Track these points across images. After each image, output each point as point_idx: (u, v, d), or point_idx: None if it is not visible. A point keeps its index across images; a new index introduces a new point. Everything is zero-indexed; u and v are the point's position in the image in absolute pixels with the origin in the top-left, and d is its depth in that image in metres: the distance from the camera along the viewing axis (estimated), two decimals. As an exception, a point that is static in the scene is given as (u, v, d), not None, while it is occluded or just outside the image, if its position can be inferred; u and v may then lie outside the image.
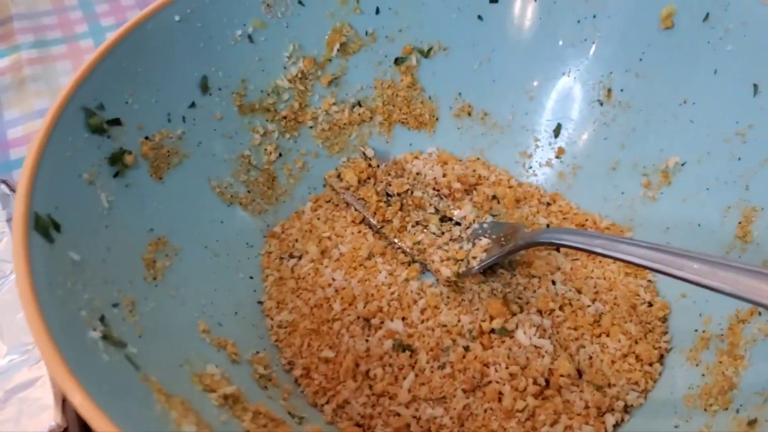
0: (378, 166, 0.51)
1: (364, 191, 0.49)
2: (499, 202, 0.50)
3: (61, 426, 0.35)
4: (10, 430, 0.35)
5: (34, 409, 0.36)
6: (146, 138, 0.42)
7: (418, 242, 0.46)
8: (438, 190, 0.50)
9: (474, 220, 0.47)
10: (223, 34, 0.46)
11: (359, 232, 0.48)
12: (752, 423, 0.32)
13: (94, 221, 0.37)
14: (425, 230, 0.47)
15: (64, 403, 0.36)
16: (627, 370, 0.40)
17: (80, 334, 0.31)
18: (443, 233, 0.47)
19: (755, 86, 0.42)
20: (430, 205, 0.48)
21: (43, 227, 0.33)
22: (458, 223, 0.47)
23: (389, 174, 0.50)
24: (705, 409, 0.35)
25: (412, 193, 0.49)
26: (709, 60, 0.44)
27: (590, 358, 0.41)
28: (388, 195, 0.49)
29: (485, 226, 0.46)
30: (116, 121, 0.40)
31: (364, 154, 0.51)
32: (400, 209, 0.48)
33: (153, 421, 0.29)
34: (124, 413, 0.27)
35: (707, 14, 0.44)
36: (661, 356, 0.41)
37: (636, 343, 0.41)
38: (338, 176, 0.50)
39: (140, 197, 0.41)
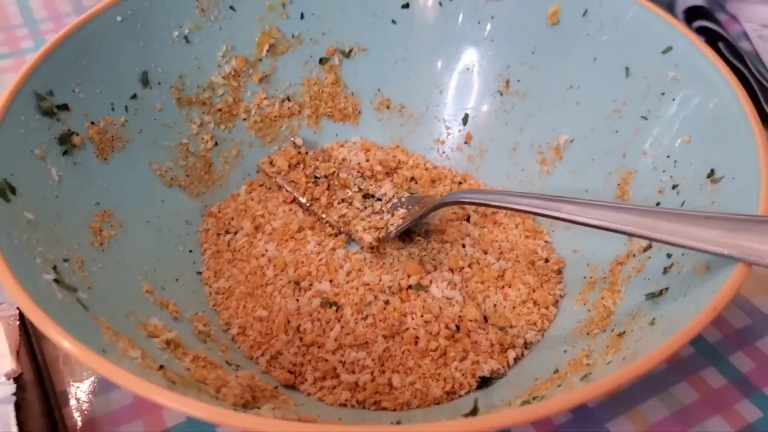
0: (307, 153, 0.56)
1: (294, 174, 0.54)
2: (416, 183, 0.56)
3: (16, 371, 0.39)
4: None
5: (-9, 359, 0.39)
6: (92, 123, 0.46)
7: (343, 215, 0.51)
8: (361, 173, 0.55)
9: (393, 196, 0.52)
10: (161, 35, 0.51)
11: (290, 210, 0.53)
12: (621, 335, 0.38)
13: (45, 191, 0.41)
14: (350, 206, 0.52)
15: (19, 353, 0.40)
16: (526, 314, 0.46)
17: (36, 276, 0.35)
18: (366, 207, 0.52)
19: (627, 69, 0.49)
20: (354, 184, 0.54)
21: (1, 188, 0.37)
22: (379, 199, 0.53)
23: (317, 159, 0.55)
24: (587, 334, 0.41)
25: (338, 174, 0.54)
26: (589, 49, 0.51)
27: (494, 305, 0.46)
28: (316, 177, 0.54)
29: (403, 199, 0.52)
30: (64, 107, 0.44)
31: (293, 143, 0.56)
32: (327, 189, 0.53)
33: (104, 342, 0.34)
34: (78, 333, 0.31)
35: (586, 10, 0.51)
36: (556, 302, 0.47)
37: (534, 291, 0.47)
38: (270, 162, 0.55)
39: (87, 174, 0.45)
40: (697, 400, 0.44)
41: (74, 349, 0.30)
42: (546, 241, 0.51)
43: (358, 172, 0.55)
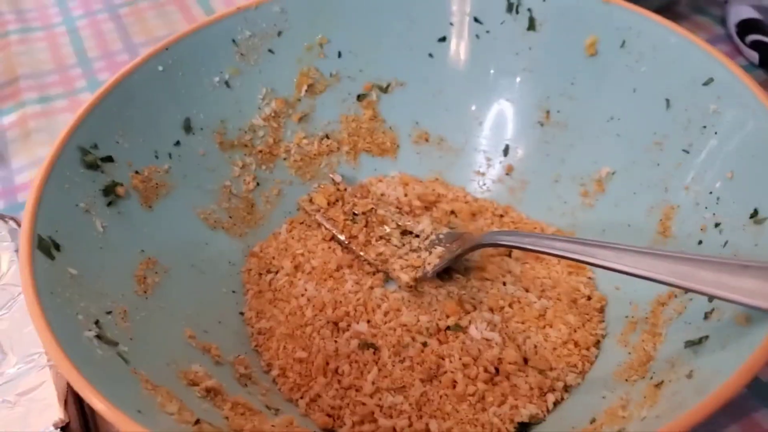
0: (345, 189, 0.56)
1: (333, 212, 0.54)
2: (456, 217, 0.55)
3: (63, 420, 0.40)
4: (20, 428, 0.40)
5: (40, 408, 0.41)
6: (136, 172, 0.48)
7: (381, 253, 0.52)
8: (399, 208, 0.55)
9: (432, 233, 0.52)
10: (202, 81, 0.53)
11: (329, 248, 0.54)
12: (659, 385, 0.37)
13: (89, 243, 0.43)
14: (387, 243, 0.52)
15: (66, 402, 0.41)
16: (566, 355, 0.45)
17: (77, 333, 0.36)
18: (404, 245, 0.52)
19: (667, 101, 0.48)
20: (392, 221, 0.54)
21: (45, 247, 0.39)
22: (417, 236, 0.53)
23: (355, 196, 0.56)
24: (626, 380, 0.40)
25: (375, 211, 0.54)
26: (628, 80, 0.50)
27: (535, 346, 0.46)
28: (354, 214, 0.54)
29: (441, 236, 0.52)
30: (109, 158, 0.46)
31: (332, 180, 0.57)
32: (365, 226, 0.53)
33: (140, 401, 0.35)
34: (114, 393, 0.32)
35: (623, 41, 0.50)
36: (598, 342, 0.46)
37: (575, 331, 0.46)
38: (310, 200, 0.56)
39: (131, 223, 0.46)
40: (749, 443, 0.43)
41: (108, 411, 0.31)
42: (589, 278, 0.50)
43: (397, 207, 0.55)
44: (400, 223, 0.54)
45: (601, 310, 0.48)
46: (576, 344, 0.46)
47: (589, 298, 0.48)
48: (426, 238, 0.52)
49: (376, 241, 0.53)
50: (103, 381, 0.33)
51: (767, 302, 0.32)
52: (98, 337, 0.37)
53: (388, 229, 0.53)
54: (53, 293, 0.37)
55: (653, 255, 0.37)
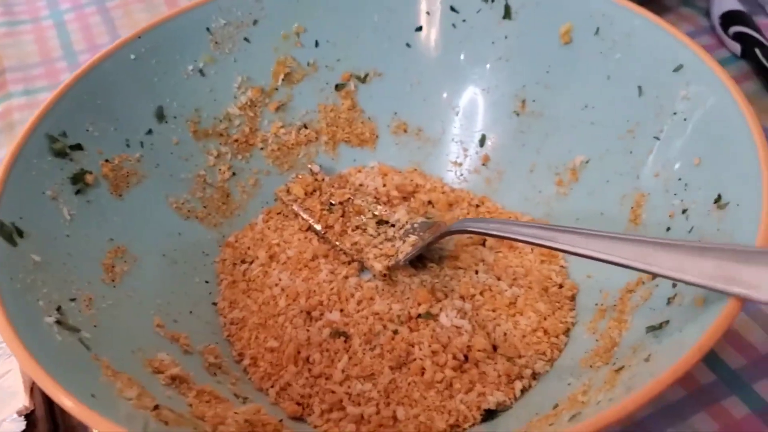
0: (323, 179, 0.56)
1: (310, 202, 0.54)
2: (434, 207, 0.55)
3: (28, 408, 0.40)
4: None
5: (5, 396, 0.41)
6: (106, 161, 0.48)
7: (356, 243, 0.51)
8: (377, 198, 0.55)
9: (407, 222, 0.52)
10: (176, 70, 0.53)
11: (305, 238, 0.53)
12: (619, 370, 0.36)
13: (56, 230, 0.43)
14: (363, 233, 0.52)
15: (32, 391, 0.41)
16: (536, 343, 0.45)
17: (36, 319, 0.36)
18: (379, 234, 0.52)
19: (639, 88, 0.47)
20: (369, 211, 0.54)
21: (6, 233, 0.39)
22: (393, 225, 0.53)
23: (333, 186, 0.56)
24: (591, 366, 0.40)
25: (352, 201, 0.54)
26: (602, 68, 0.50)
27: (505, 334, 0.46)
28: (331, 204, 0.54)
29: (416, 225, 0.52)
30: (78, 146, 0.46)
31: (310, 170, 0.57)
32: (342, 216, 0.53)
33: (97, 385, 0.35)
34: (67, 376, 0.32)
35: (597, 28, 0.50)
36: (567, 330, 0.46)
37: (545, 319, 0.46)
38: (287, 190, 0.56)
39: (101, 211, 0.46)
40: (717, 431, 0.42)
41: (54, 391, 0.31)
42: (561, 266, 0.50)
43: (374, 197, 0.55)
44: (376, 213, 0.53)
45: (572, 298, 0.48)
46: (545, 332, 0.45)
47: (561, 287, 0.48)
48: (401, 228, 0.52)
49: (352, 231, 0.53)
50: (58, 365, 0.33)
51: (724, 284, 0.32)
52: (58, 322, 0.37)
53: (364, 219, 0.53)
54: (13, 279, 0.37)
55: (620, 240, 0.36)
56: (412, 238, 0.50)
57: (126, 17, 0.83)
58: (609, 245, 0.37)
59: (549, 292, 0.48)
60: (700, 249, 0.33)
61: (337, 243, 0.52)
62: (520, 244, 0.51)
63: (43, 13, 0.85)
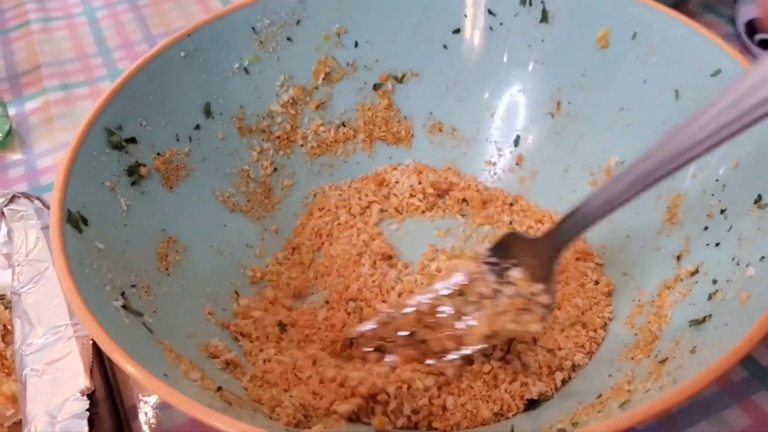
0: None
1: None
2: (468, 204, 0.57)
3: (89, 388, 0.42)
4: (49, 395, 0.42)
5: (67, 377, 0.42)
6: (158, 154, 0.49)
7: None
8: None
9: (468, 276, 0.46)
10: (222, 67, 0.54)
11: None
12: (663, 361, 0.38)
13: (114, 220, 0.44)
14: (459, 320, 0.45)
15: (92, 372, 0.43)
16: (574, 336, 0.46)
17: (105, 302, 0.38)
18: (470, 303, 0.45)
19: (676, 91, 0.49)
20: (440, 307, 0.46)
21: (74, 220, 0.40)
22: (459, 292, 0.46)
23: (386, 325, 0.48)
24: (632, 359, 0.42)
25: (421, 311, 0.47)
26: (638, 72, 0.51)
27: (544, 327, 0.47)
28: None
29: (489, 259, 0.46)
30: (132, 140, 0.48)
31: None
32: (432, 329, 0.46)
33: (165, 366, 0.36)
34: (142, 358, 0.34)
35: (635, 33, 0.51)
36: (605, 324, 0.47)
37: (583, 313, 0.48)
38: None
39: (153, 203, 0.48)
40: (750, 425, 0.44)
41: (137, 373, 0.32)
42: (597, 263, 0.51)
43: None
44: (442, 296, 0.47)
45: (609, 294, 0.49)
46: (584, 326, 0.47)
47: (597, 283, 0.50)
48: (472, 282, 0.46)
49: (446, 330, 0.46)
50: (132, 347, 0.34)
51: None
52: (124, 307, 0.39)
53: (446, 314, 0.46)
54: (82, 264, 0.38)
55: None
56: (516, 271, 0.45)
57: (157, 16, 0.85)
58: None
59: (585, 288, 0.49)
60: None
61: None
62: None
63: (76, 10, 0.87)
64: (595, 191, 0.41)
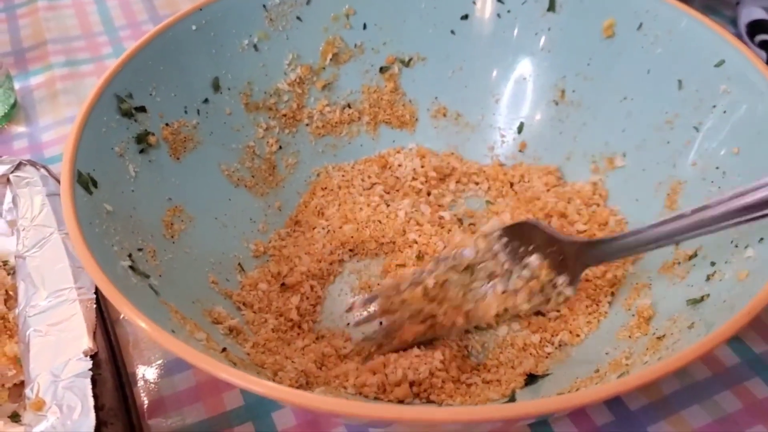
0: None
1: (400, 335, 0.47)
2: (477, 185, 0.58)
3: (92, 350, 0.42)
4: (53, 355, 0.42)
5: (70, 338, 0.43)
6: (166, 124, 0.50)
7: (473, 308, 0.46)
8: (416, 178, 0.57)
9: (478, 252, 0.47)
10: (232, 43, 0.55)
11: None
12: (661, 338, 0.39)
13: (123, 185, 0.45)
14: (466, 295, 0.46)
15: (95, 334, 0.43)
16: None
17: (114, 262, 0.38)
18: (477, 280, 0.47)
19: (679, 81, 0.50)
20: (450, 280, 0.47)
21: (84, 182, 0.41)
22: (469, 269, 0.47)
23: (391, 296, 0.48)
24: (629, 337, 0.42)
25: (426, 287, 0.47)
26: (643, 62, 0.52)
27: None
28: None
29: (496, 249, 0.47)
30: (142, 108, 0.48)
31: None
32: (439, 303, 0.47)
33: (174, 325, 0.37)
34: (151, 314, 0.34)
35: (641, 24, 0.52)
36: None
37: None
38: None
39: (161, 171, 0.48)
40: (741, 409, 0.45)
41: (148, 328, 0.33)
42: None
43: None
44: (450, 269, 0.47)
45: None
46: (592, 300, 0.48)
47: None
48: (481, 261, 0.47)
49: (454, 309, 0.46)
50: (141, 304, 0.35)
51: None
52: (132, 268, 0.39)
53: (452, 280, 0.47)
54: (91, 224, 0.39)
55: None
56: (534, 257, 0.46)
57: (163, -4, 0.85)
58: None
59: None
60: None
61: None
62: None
63: (83, -12, 0.87)
64: (652, 224, 0.42)
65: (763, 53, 0.70)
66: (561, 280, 0.45)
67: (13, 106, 0.68)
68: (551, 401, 0.29)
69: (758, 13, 0.73)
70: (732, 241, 0.41)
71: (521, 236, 0.46)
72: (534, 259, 0.45)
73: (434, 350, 0.45)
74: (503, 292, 0.45)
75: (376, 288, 0.50)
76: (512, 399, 0.41)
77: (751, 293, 0.33)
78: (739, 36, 0.73)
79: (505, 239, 0.46)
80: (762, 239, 0.38)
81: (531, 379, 0.43)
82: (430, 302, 0.45)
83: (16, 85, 0.71)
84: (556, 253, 0.45)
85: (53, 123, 0.68)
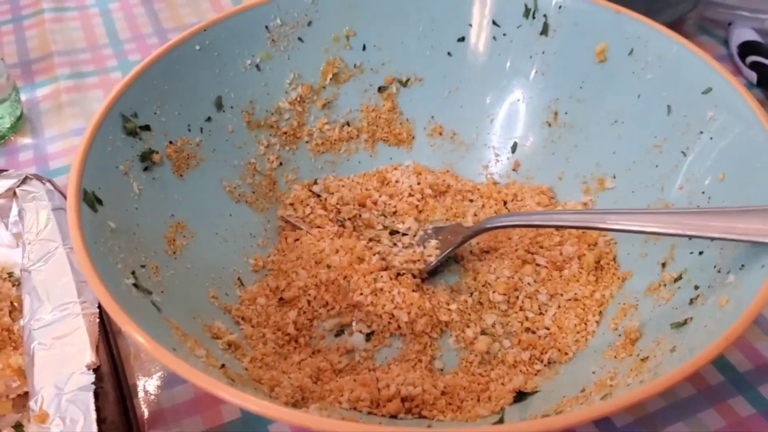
0: (325, 199, 0.59)
1: (320, 221, 0.57)
2: (471, 202, 0.59)
3: (95, 363, 0.43)
4: (56, 369, 0.43)
5: (74, 352, 0.44)
6: (170, 142, 0.51)
7: (378, 252, 0.55)
8: (383, 212, 0.59)
9: (419, 229, 0.56)
10: (235, 63, 0.56)
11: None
12: (644, 360, 0.40)
13: (127, 202, 0.46)
14: (379, 243, 0.56)
15: (98, 348, 0.45)
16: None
17: (118, 279, 0.40)
18: (395, 244, 0.56)
19: (668, 107, 0.51)
20: (378, 223, 0.57)
21: (89, 200, 0.42)
22: (405, 234, 0.56)
23: (337, 204, 0.58)
24: (615, 357, 0.44)
25: (360, 216, 0.58)
26: (633, 87, 0.53)
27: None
28: (339, 221, 0.57)
29: (429, 231, 0.56)
30: (146, 127, 0.50)
31: (310, 190, 0.60)
32: (354, 230, 0.57)
33: (173, 342, 0.38)
34: (153, 332, 0.36)
35: (632, 49, 0.53)
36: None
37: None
38: (292, 206, 0.58)
39: (164, 189, 0.50)
40: (724, 427, 0.46)
41: (149, 346, 0.34)
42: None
43: (382, 213, 0.58)
44: (386, 225, 0.57)
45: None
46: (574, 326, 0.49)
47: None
48: (414, 235, 0.56)
49: (367, 243, 0.55)
50: (143, 322, 0.36)
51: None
52: (135, 285, 0.41)
53: (376, 231, 0.57)
54: (96, 242, 0.40)
55: (662, 213, 0.42)
56: (432, 242, 0.54)
57: (169, 10, 0.87)
58: (654, 218, 0.41)
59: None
60: (742, 212, 0.39)
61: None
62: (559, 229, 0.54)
63: (89, 1, 0.89)
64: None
65: (753, 74, 0.71)
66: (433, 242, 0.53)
67: (20, 117, 0.70)
68: (537, 424, 0.30)
69: (749, 35, 0.74)
70: (715, 266, 0.42)
71: (441, 232, 0.55)
72: (432, 242, 0.54)
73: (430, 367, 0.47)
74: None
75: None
76: (501, 416, 0.42)
77: (730, 320, 0.35)
78: (730, 57, 0.75)
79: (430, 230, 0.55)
80: (743, 266, 0.40)
81: (520, 396, 0.45)
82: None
83: (23, 97, 0.73)
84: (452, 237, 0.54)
85: (58, 135, 0.69)
